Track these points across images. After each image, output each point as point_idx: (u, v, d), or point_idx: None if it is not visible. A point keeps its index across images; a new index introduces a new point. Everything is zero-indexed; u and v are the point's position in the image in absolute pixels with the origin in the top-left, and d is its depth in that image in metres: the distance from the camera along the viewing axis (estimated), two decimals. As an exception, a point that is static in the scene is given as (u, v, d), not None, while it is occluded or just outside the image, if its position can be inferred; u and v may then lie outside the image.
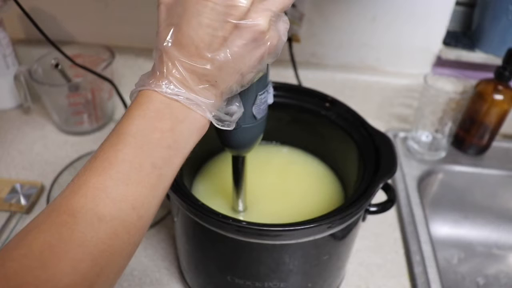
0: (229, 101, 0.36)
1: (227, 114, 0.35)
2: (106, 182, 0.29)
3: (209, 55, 0.30)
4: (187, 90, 0.31)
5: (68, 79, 0.75)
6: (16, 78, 0.76)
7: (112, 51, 0.80)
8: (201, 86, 0.31)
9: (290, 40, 0.82)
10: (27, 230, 0.28)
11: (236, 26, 0.30)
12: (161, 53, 0.31)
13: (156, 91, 0.31)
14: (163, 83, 0.31)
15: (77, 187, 0.29)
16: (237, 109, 0.36)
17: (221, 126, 0.34)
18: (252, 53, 0.31)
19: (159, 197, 0.32)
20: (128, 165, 0.30)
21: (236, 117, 0.36)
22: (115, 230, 0.29)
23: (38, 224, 0.28)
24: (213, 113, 0.33)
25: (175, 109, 0.31)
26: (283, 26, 0.33)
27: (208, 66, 0.31)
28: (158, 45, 0.31)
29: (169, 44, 0.31)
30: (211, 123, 0.34)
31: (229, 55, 0.30)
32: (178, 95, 0.31)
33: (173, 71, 0.31)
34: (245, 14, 0.30)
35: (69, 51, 0.80)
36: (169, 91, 0.31)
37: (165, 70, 0.31)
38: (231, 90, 0.33)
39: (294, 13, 0.79)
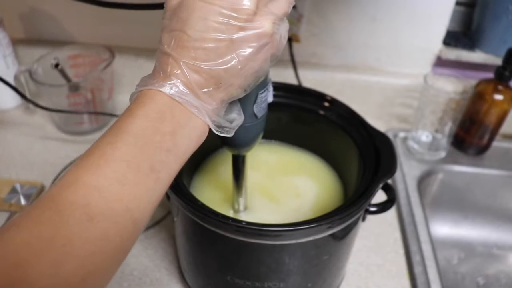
0: (229, 109, 0.35)
1: (227, 121, 0.35)
2: (100, 181, 0.27)
3: (216, 58, 0.30)
4: (191, 92, 0.31)
5: (68, 79, 0.75)
6: (16, 78, 0.76)
7: (112, 51, 0.80)
8: (205, 90, 0.31)
9: (290, 40, 0.82)
10: (5, 228, 0.26)
11: (242, 29, 0.30)
12: (165, 55, 0.31)
13: (160, 91, 0.30)
14: (168, 83, 0.30)
15: (67, 184, 0.27)
16: (237, 116, 0.36)
17: (220, 133, 0.34)
18: (257, 56, 0.31)
19: (154, 203, 0.30)
20: (126, 165, 0.28)
21: (235, 124, 0.35)
22: (106, 232, 0.27)
23: (17, 222, 0.26)
24: (213, 119, 0.32)
25: (177, 113, 0.30)
26: (284, 28, 0.33)
27: (215, 68, 0.30)
28: (162, 48, 0.31)
29: (175, 47, 0.30)
30: (209, 129, 0.33)
31: (235, 58, 0.30)
32: (181, 97, 0.30)
33: (178, 72, 0.30)
34: (251, 17, 0.30)
35: (69, 51, 0.81)
36: (172, 92, 0.30)
37: (169, 71, 0.30)
38: (233, 95, 0.33)
39: (293, 14, 0.79)
